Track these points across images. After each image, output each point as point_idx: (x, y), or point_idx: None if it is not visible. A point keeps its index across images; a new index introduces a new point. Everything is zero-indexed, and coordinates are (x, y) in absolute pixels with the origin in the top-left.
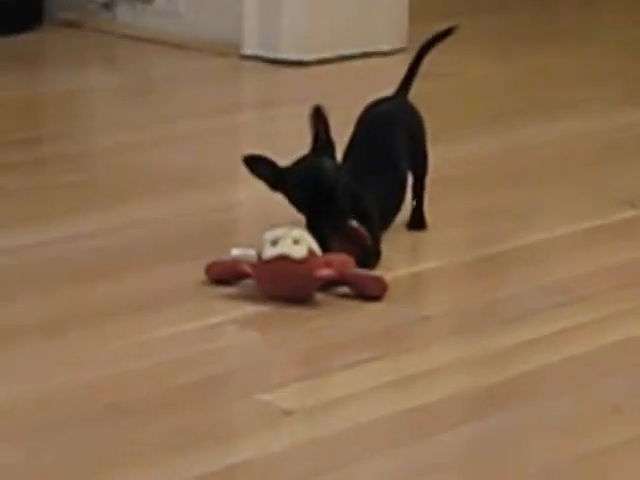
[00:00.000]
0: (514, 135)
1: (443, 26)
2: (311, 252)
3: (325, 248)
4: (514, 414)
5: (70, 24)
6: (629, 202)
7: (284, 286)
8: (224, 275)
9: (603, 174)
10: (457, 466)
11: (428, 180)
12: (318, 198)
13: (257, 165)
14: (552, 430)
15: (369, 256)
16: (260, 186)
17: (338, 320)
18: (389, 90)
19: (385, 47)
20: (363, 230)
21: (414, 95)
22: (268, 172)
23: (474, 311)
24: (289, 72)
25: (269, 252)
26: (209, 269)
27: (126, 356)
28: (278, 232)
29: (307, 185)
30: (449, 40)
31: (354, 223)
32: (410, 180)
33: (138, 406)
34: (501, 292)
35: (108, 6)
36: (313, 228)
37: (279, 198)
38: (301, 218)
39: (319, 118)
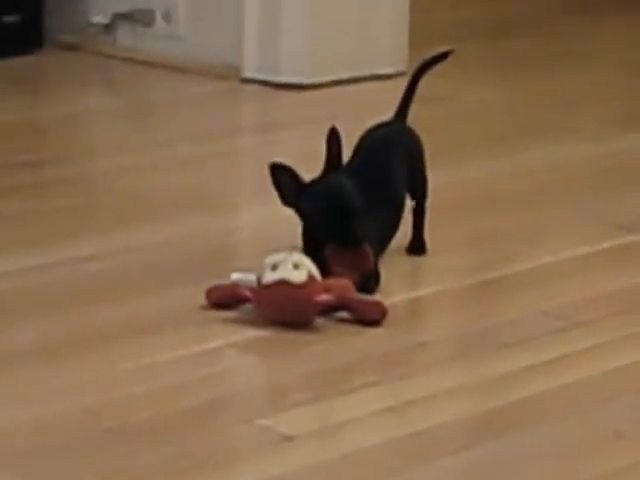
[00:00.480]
0: (514, 159)
1: (443, 50)
2: (311, 277)
3: (326, 269)
4: (514, 440)
5: (70, 47)
6: (626, 227)
7: (284, 311)
8: (224, 299)
9: (602, 198)
10: None
11: (427, 204)
12: (338, 217)
13: (281, 175)
14: (553, 456)
15: (369, 280)
16: (261, 210)
17: (338, 345)
18: (389, 114)
19: (385, 71)
20: (371, 254)
21: (414, 119)
22: (290, 184)
23: (473, 336)
24: (289, 95)
25: (269, 277)
26: (209, 293)
27: (126, 380)
28: (278, 257)
29: (328, 203)
30: (449, 64)
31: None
32: (409, 204)
33: (138, 430)
34: (501, 317)
35: (108, 29)
36: (320, 247)
37: (280, 222)
38: (300, 243)
39: (335, 139)
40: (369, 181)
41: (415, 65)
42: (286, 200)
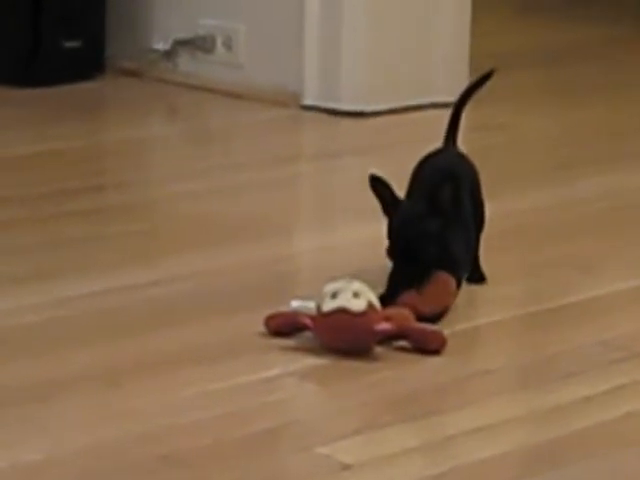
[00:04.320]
0: (570, 188)
1: (501, 79)
2: (371, 306)
3: (394, 297)
4: (571, 471)
5: (131, 73)
6: None
7: (343, 339)
8: (283, 327)
9: None
10: None
11: (485, 233)
12: (403, 248)
13: (380, 186)
14: None
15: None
16: (320, 237)
17: (397, 374)
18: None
19: (445, 99)
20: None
21: (470, 147)
22: (387, 196)
23: (532, 366)
24: (349, 123)
25: (329, 305)
26: (268, 321)
27: (183, 408)
28: (338, 285)
29: (397, 232)
30: (505, 92)
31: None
32: None
33: (195, 458)
34: (559, 347)
35: (169, 55)
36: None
37: (340, 249)
38: (361, 271)
39: (379, 184)
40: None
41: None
42: (384, 210)
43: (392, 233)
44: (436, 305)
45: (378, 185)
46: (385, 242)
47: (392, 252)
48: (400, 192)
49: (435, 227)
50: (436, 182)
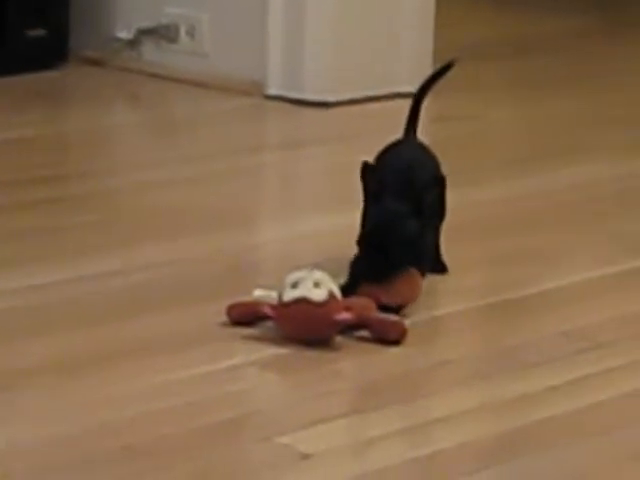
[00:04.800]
0: (532, 180)
1: (467, 70)
2: (332, 295)
3: (356, 287)
4: (533, 461)
5: (95, 62)
6: None
7: (303, 329)
8: (245, 316)
9: (622, 220)
10: None
11: (448, 223)
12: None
13: (369, 175)
14: (572, 478)
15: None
16: (284, 227)
17: (357, 364)
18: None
19: (409, 89)
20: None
21: (433, 138)
22: (373, 186)
23: (492, 357)
24: (313, 113)
25: (289, 294)
26: (230, 310)
27: (144, 397)
28: (299, 274)
29: (376, 227)
30: (471, 83)
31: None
32: None
33: (155, 448)
34: (521, 337)
35: (132, 44)
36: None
37: (303, 239)
38: (323, 261)
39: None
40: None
41: (438, 84)
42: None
43: (370, 226)
44: (401, 299)
45: (368, 174)
46: (349, 232)
47: (363, 244)
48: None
49: (415, 230)
50: (424, 184)
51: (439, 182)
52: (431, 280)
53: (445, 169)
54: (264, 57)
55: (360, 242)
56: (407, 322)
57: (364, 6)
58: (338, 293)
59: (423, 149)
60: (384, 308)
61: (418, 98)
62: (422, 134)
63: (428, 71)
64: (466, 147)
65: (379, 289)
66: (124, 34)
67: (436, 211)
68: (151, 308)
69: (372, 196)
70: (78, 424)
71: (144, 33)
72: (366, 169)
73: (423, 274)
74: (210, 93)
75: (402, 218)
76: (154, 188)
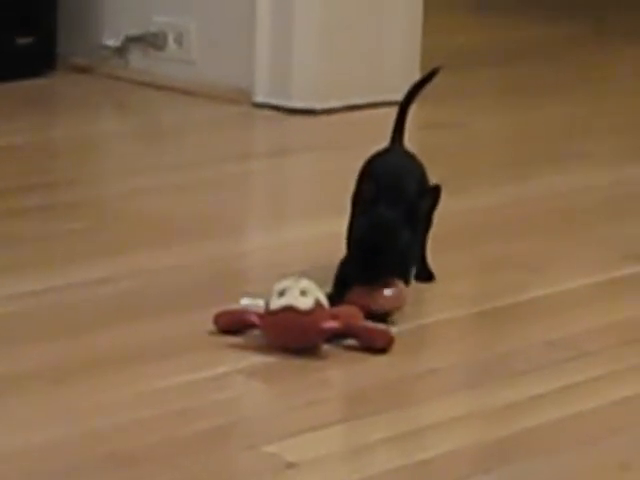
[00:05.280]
0: (522, 186)
1: (454, 77)
2: (318, 304)
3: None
4: (519, 469)
5: (82, 70)
6: (635, 256)
7: (290, 337)
8: (232, 325)
9: (610, 228)
10: None
11: (436, 231)
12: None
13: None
14: None
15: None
16: (271, 234)
17: (344, 372)
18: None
19: (396, 97)
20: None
21: (421, 145)
22: (370, 191)
23: (480, 365)
24: (300, 120)
25: (276, 303)
26: (217, 318)
27: (130, 405)
28: (286, 283)
29: (369, 233)
30: (458, 90)
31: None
32: None
33: (142, 455)
34: (508, 346)
35: (120, 52)
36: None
37: (291, 246)
38: (311, 269)
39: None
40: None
41: (426, 91)
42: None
43: (367, 229)
44: (389, 305)
45: (366, 178)
46: (336, 240)
47: (356, 246)
48: (349, 188)
49: (407, 239)
50: (416, 192)
51: (433, 192)
52: (418, 288)
53: (432, 177)
54: (252, 65)
55: (352, 244)
56: (394, 330)
57: (351, 14)
58: (325, 301)
59: (410, 157)
60: (371, 317)
61: (404, 106)
62: (409, 142)
63: (415, 79)
64: (453, 154)
65: (367, 296)
66: (112, 42)
67: (426, 220)
68: (139, 316)
69: (367, 202)
70: (66, 431)
71: (132, 41)
72: (365, 172)
73: (407, 283)
74: (198, 101)
75: (397, 226)
76: (142, 196)
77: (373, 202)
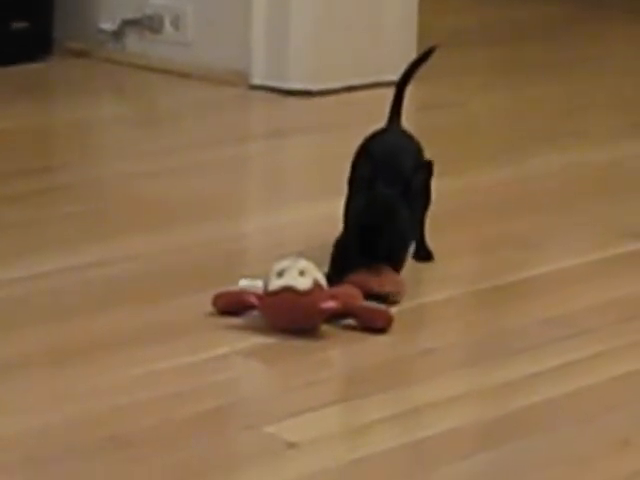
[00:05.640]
0: (521, 165)
1: (450, 57)
2: (317, 284)
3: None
4: (519, 447)
5: (79, 53)
6: (635, 235)
7: (288, 318)
8: (231, 306)
9: (608, 206)
10: None
11: (434, 211)
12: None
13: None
14: (558, 463)
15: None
16: (269, 216)
17: (343, 352)
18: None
19: (393, 77)
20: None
21: (420, 125)
22: (367, 171)
23: (479, 343)
24: (297, 102)
25: (275, 283)
26: (216, 300)
27: (130, 388)
28: (284, 263)
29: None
30: (455, 70)
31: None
32: None
33: (142, 437)
34: (506, 324)
35: (117, 36)
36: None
37: (289, 228)
38: (309, 250)
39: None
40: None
41: (422, 72)
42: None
43: (369, 209)
44: (395, 287)
45: (364, 157)
46: (334, 220)
47: (358, 225)
48: (346, 169)
49: (406, 216)
50: (410, 169)
51: (426, 167)
52: (417, 268)
53: (430, 157)
54: (248, 47)
55: (350, 224)
56: (393, 310)
57: None
58: (324, 282)
59: (406, 136)
60: (370, 297)
61: (401, 85)
62: (407, 122)
63: (412, 59)
64: (450, 134)
65: (369, 277)
66: (108, 25)
67: (421, 197)
68: (137, 298)
69: (364, 181)
70: (64, 415)
71: (128, 24)
72: (363, 152)
73: (403, 263)
74: (194, 83)
75: (396, 204)
76: (139, 179)
77: (370, 181)
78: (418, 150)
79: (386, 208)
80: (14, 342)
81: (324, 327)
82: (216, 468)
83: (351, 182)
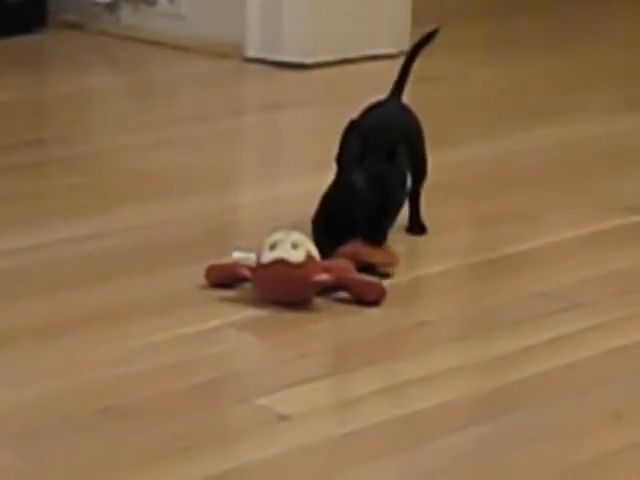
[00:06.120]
0: (515, 139)
1: (447, 31)
2: (309, 257)
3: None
4: (512, 420)
5: (73, 26)
6: (631, 208)
7: (281, 290)
8: (223, 278)
9: (605, 180)
10: (453, 473)
11: (429, 184)
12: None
13: (352, 138)
14: (550, 437)
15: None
16: (263, 189)
17: (336, 325)
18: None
19: (387, 50)
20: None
21: (417, 98)
22: (355, 148)
23: (472, 317)
24: (292, 75)
25: (267, 256)
26: (208, 272)
27: (123, 360)
28: (277, 236)
29: (375, 196)
30: (451, 44)
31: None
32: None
33: (134, 410)
34: (500, 298)
35: (111, 8)
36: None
37: (282, 200)
38: (302, 223)
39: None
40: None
41: None
42: (340, 161)
43: (376, 184)
44: (392, 259)
45: (354, 131)
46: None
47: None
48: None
49: (401, 191)
50: (392, 141)
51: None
52: (411, 241)
53: (427, 130)
54: (243, 19)
55: (350, 199)
56: (387, 283)
57: None
58: (316, 254)
59: (403, 110)
60: (363, 270)
61: (405, 66)
62: (406, 94)
63: (407, 33)
64: (448, 108)
65: (360, 248)
66: None
67: (420, 172)
68: (130, 271)
69: (356, 157)
70: (58, 387)
71: None
72: (352, 127)
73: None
74: (189, 56)
75: (395, 181)
76: (134, 151)
77: (359, 158)
78: (411, 123)
79: (389, 188)
80: (10, 314)
81: (317, 300)
82: (210, 440)
83: (340, 157)
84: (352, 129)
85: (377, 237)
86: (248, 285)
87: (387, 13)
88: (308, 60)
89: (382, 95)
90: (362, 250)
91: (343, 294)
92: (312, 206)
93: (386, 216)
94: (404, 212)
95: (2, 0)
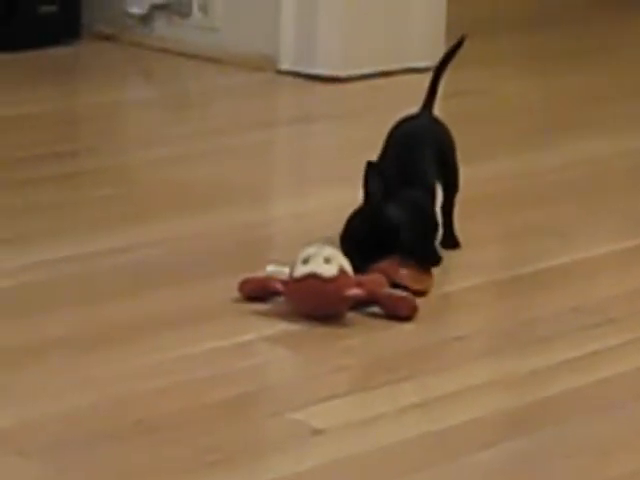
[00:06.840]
0: (547, 153)
1: (479, 44)
2: (342, 271)
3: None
4: (544, 436)
5: (107, 38)
6: None
7: (313, 304)
8: (256, 292)
9: (636, 194)
10: None
11: (461, 198)
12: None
13: (373, 176)
14: (584, 452)
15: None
16: (296, 202)
17: (368, 339)
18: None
19: (421, 64)
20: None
21: (449, 112)
22: (378, 187)
23: (505, 332)
24: (324, 88)
25: (300, 270)
26: (242, 286)
27: (157, 372)
28: (310, 250)
29: (419, 219)
30: (484, 57)
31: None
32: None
33: (169, 422)
34: (534, 312)
35: (145, 20)
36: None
37: (316, 214)
38: (336, 236)
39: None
40: (403, 176)
41: None
42: (371, 200)
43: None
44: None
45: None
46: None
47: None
48: (373, 156)
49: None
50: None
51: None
52: (444, 255)
53: (460, 144)
54: (276, 32)
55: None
56: (419, 298)
57: None
58: (349, 269)
59: (435, 123)
60: (395, 286)
61: (436, 76)
62: (438, 108)
63: (440, 46)
64: (479, 122)
65: (394, 266)
66: (137, 9)
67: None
68: (163, 284)
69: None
70: (92, 399)
71: (157, 8)
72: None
73: None
74: (222, 68)
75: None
76: (166, 163)
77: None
78: (443, 135)
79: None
80: (42, 326)
81: (349, 314)
82: (243, 454)
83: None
84: (369, 169)
85: (434, 261)
86: (281, 299)
87: (421, 26)
88: (341, 73)
89: (415, 108)
90: (393, 268)
91: (375, 309)
92: (345, 219)
93: (432, 240)
94: None
95: (36, 11)
